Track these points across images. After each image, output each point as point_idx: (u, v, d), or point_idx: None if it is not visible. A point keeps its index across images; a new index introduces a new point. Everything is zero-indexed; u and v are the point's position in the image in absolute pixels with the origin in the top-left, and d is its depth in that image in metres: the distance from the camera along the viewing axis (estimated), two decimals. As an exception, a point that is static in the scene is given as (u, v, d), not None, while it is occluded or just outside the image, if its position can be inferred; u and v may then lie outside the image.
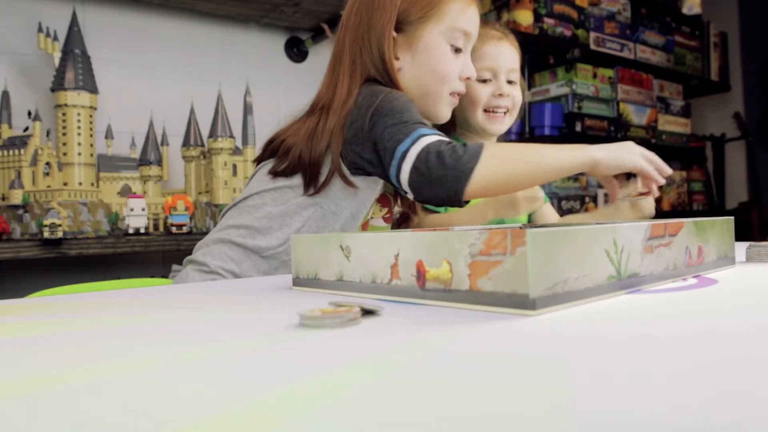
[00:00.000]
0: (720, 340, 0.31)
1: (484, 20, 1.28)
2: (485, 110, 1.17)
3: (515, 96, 1.18)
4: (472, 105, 1.18)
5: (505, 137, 1.39)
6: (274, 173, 0.91)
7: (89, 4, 1.55)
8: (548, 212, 1.27)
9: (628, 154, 0.74)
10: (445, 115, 0.96)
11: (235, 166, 1.55)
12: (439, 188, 0.71)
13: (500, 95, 1.16)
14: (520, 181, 0.72)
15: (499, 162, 0.69)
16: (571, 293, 0.42)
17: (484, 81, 1.17)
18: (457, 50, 0.92)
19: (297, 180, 0.89)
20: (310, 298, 0.54)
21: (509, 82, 1.18)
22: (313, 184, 0.87)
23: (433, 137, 0.75)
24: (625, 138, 2.41)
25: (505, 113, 1.17)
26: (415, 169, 0.74)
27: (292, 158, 0.89)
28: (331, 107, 0.88)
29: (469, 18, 0.93)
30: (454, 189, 0.69)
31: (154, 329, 0.41)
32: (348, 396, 0.23)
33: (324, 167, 0.87)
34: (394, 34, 0.90)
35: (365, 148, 0.84)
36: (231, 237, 0.89)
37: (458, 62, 0.93)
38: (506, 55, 1.18)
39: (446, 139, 0.75)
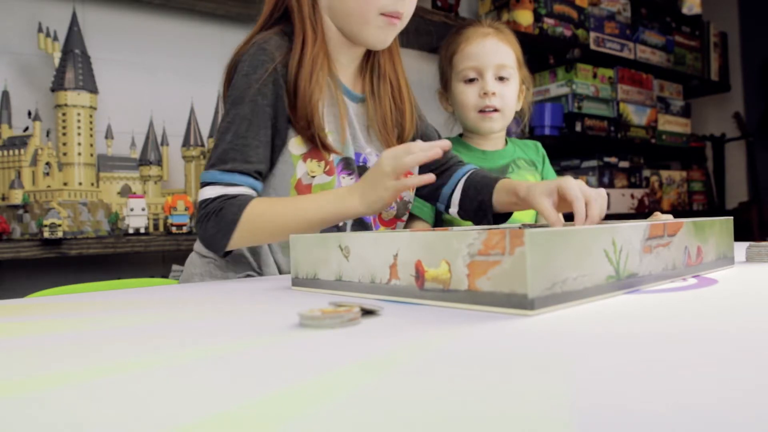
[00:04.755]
0: (720, 340, 0.31)
1: (474, 20, 1.26)
2: (478, 111, 1.14)
3: (505, 95, 1.14)
4: (463, 107, 1.16)
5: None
6: None
7: (89, 4, 1.55)
8: None
9: (380, 192, 0.75)
10: (379, 39, 0.86)
11: (235, 166, 1.55)
12: (204, 243, 0.81)
13: (485, 94, 1.12)
14: (275, 239, 0.81)
15: (253, 231, 0.77)
16: (570, 293, 0.42)
17: (471, 81, 1.14)
18: None
19: None
20: (309, 298, 0.54)
21: (500, 78, 1.13)
22: None
23: (209, 191, 0.79)
24: (625, 138, 2.41)
25: (496, 111, 1.13)
26: (196, 224, 0.81)
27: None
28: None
29: None
30: (214, 251, 0.81)
31: (154, 329, 0.41)
32: (348, 396, 0.24)
33: None
34: None
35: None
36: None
37: None
38: (492, 51, 1.13)
39: (218, 195, 0.78)
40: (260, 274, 0.89)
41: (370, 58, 0.94)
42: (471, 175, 1.00)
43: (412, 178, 0.75)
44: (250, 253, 0.89)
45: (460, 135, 1.26)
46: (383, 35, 0.86)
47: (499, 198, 0.93)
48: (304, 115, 0.82)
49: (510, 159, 1.20)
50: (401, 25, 0.87)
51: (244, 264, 0.89)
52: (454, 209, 1.00)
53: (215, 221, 0.77)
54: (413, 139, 0.99)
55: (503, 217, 0.98)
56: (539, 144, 1.28)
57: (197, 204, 0.81)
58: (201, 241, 0.80)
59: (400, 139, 0.96)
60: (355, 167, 0.90)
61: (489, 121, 1.14)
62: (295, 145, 0.85)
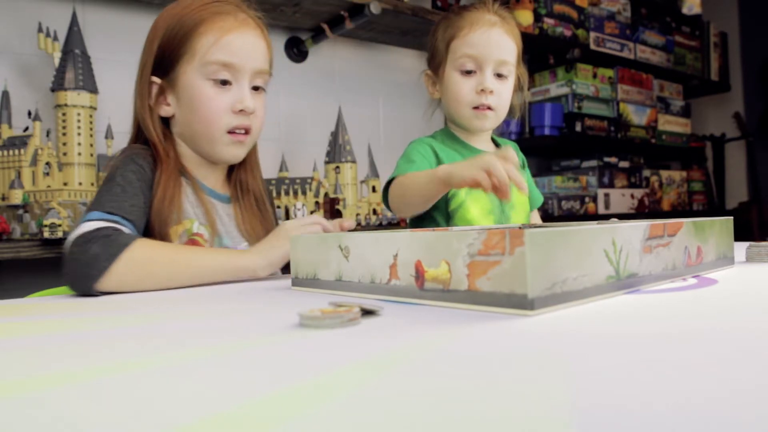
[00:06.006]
0: (720, 340, 0.31)
1: (478, 1, 1.12)
2: (472, 107, 1.04)
3: (502, 93, 1.04)
4: (456, 102, 1.05)
5: (505, 137, 1.33)
6: None
7: (89, 4, 1.55)
8: (534, 218, 1.21)
9: (276, 243, 0.78)
10: (231, 155, 0.88)
11: (235, 166, 1.55)
12: (73, 277, 0.67)
13: (482, 91, 1.02)
14: (158, 286, 0.70)
15: (136, 269, 0.68)
16: (570, 293, 0.42)
17: (468, 73, 1.03)
18: (224, 83, 0.84)
19: None
20: (309, 298, 0.54)
21: (498, 75, 1.04)
22: None
23: (93, 224, 0.70)
24: (625, 138, 2.41)
25: (490, 109, 1.04)
26: (68, 254, 0.68)
27: None
28: None
29: (227, 47, 0.84)
30: (86, 279, 0.66)
31: (154, 329, 0.41)
32: (348, 396, 0.24)
33: None
34: (157, 80, 0.87)
35: None
36: None
37: (226, 97, 0.84)
38: (496, 44, 1.02)
39: (106, 226, 0.69)
40: None
41: (232, 170, 0.95)
42: None
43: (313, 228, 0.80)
44: None
45: (445, 126, 1.15)
46: (234, 151, 0.88)
47: None
48: (159, 234, 0.80)
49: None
50: (252, 139, 0.89)
51: None
52: None
53: (102, 243, 0.67)
54: None
55: None
56: (517, 145, 1.23)
57: (70, 240, 0.69)
58: (72, 268, 0.67)
59: None
60: None
61: (482, 119, 1.06)
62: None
